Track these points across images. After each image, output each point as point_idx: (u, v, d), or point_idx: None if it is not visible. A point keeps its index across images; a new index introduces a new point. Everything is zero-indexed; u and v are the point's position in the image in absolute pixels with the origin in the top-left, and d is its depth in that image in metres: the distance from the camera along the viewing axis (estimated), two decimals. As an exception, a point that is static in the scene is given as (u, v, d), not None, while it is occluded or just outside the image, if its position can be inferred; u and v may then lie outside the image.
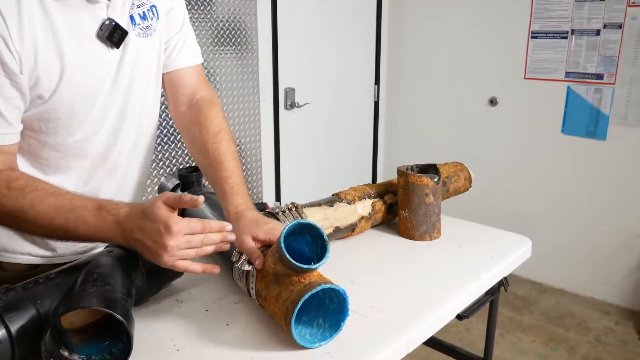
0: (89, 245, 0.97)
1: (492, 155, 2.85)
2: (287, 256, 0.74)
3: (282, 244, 0.75)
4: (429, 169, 1.21)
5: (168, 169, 2.07)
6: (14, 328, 0.66)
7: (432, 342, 1.40)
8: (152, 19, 0.93)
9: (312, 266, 0.75)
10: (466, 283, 0.97)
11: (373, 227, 1.24)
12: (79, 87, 0.83)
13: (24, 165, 0.86)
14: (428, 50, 3.00)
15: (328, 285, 0.75)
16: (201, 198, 0.75)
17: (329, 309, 0.80)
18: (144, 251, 0.75)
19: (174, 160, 2.11)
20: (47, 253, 0.94)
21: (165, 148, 2.06)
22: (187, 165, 2.09)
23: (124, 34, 0.86)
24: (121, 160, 0.95)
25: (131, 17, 0.89)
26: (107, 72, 0.87)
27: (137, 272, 0.84)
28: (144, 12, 0.91)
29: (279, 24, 2.50)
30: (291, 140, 2.73)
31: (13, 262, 0.92)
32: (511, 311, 2.54)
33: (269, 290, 0.80)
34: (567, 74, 2.50)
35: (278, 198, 2.72)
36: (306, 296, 0.73)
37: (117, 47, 0.86)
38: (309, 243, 0.82)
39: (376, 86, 3.18)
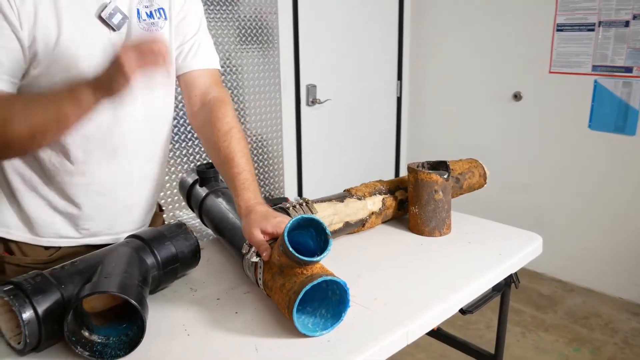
0: (92, 229, 1.03)
1: (516, 151, 2.82)
2: (290, 249, 0.78)
3: (286, 237, 0.79)
4: (440, 166, 1.22)
5: (186, 166, 2.14)
6: (40, 309, 0.72)
7: (445, 337, 1.42)
8: (159, 18, 0.99)
9: (314, 259, 0.79)
10: (470, 279, 0.99)
11: (384, 222, 1.27)
12: (75, 58, 0.88)
13: None
14: (451, 45, 2.98)
15: (329, 277, 0.79)
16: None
17: (331, 301, 0.84)
18: (110, 84, 0.79)
19: (191, 157, 2.18)
20: (71, 233, 1.01)
21: (183, 145, 2.13)
22: (206, 162, 2.16)
23: (124, 18, 0.93)
24: (121, 144, 0.98)
25: (137, 11, 0.95)
26: (106, 53, 0.90)
27: (154, 261, 0.90)
28: (151, 12, 0.97)
29: (300, 21, 2.53)
30: (313, 136, 2.77)
31: (32, 244, 0.99)
32: (534, 310, 2.52)
33: (275, 280, 0.84)
34: (594, 67, 2.44)
35: (300, 193, 2.77)
36: (307, 287, 0.77)
37: (117, 29, 0.92)
38: (313, 237, 0.86)
39: (399, 82, 3.18)
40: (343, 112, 2.90)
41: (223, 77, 2.27)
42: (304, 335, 0.79)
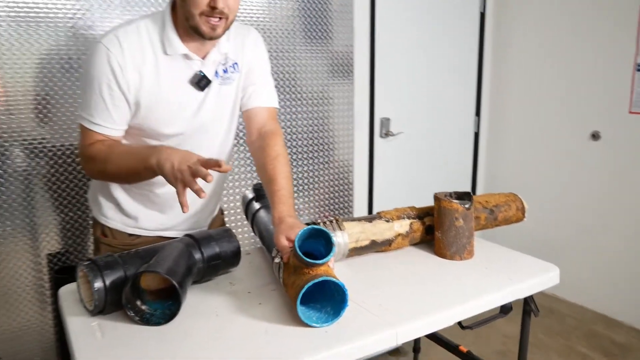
0: (166, 224, 1.31)
1: (594, 191, 2.71)
2: (298, 252, 0.95)
3: (297, 243, 0.96)
4: (465, 196, 1.32)
5: (244, 187, 2.40)
6: (108, 281, 0.96)
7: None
8: (232, 72, 1.25)
9: (316, 261, 0.95)
10: (470, 297, 1.07)
11: (413, 244, 1.38)
12: (168, 110, 1.16)
13: None
14: (530, 82, 2.98)
15: (329, 278, 0.94)
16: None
17: (336, 300, 0.98)
18: (155, 169, 1.03)
19: (253, 179, 2.43)
20: (148, 227, 1.30)
21: (243, 169, 2.40)
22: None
23: (208, 82, 1.19)
24: None
25: (216, 72, 1.22)
26: (191, 106, 1.20)
27: (200, 256, 1.11)
28: (226, 68, 1.24)
29: (376, 56, 2.71)
30: (385, 167, 2.90)
31: (121, 230, 1.30)
32: (603, 356, 2.37)
33: (289, 279, 1.01)
34: (678, 108, 2.32)
35: (368, 220, 2.89)
36: (310, 284, 0.93)
37: (202, 90, 1.19)
38: (324, 245, 1.02)
39: (477, 117, 3.22)
40: (416, 145, 3.00)
41: (315, 107, 2.52)
42: (307, 325, 0.95)
